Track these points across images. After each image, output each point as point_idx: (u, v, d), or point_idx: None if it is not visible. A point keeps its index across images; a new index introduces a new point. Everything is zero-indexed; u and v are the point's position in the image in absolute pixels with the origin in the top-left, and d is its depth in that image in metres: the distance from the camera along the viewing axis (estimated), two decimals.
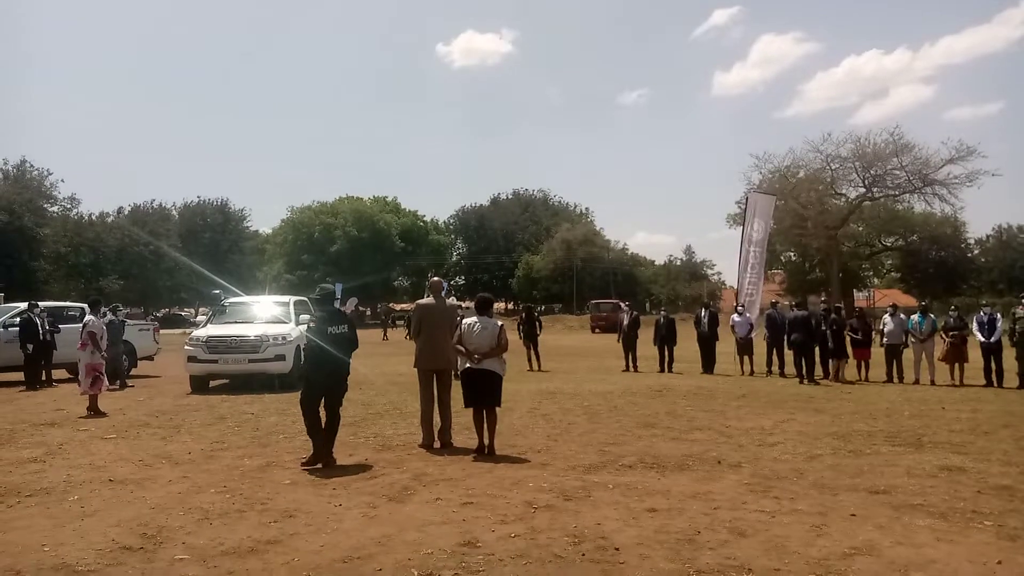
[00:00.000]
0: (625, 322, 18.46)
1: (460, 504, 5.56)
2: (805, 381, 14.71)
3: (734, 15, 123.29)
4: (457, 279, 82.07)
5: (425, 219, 76.18)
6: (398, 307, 61.41)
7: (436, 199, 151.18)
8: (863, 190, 49.59)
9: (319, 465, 6.82)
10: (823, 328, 15.38)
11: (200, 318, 15.70)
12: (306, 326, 7.49)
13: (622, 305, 26.08)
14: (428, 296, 8.53)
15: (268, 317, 14.56)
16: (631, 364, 17.80)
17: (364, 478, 6.45)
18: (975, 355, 14.50)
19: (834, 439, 8.38)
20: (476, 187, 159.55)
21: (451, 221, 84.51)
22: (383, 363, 19.44)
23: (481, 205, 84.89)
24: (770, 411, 10.71)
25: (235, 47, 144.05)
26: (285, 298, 16.18)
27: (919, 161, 46.01)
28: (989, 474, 6.59)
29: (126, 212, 69.13)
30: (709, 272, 74.82)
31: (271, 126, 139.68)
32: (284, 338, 13.51)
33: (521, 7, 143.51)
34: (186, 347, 13.57)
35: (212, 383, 13.76)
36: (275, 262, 69.13)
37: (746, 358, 16.98)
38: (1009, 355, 14.11)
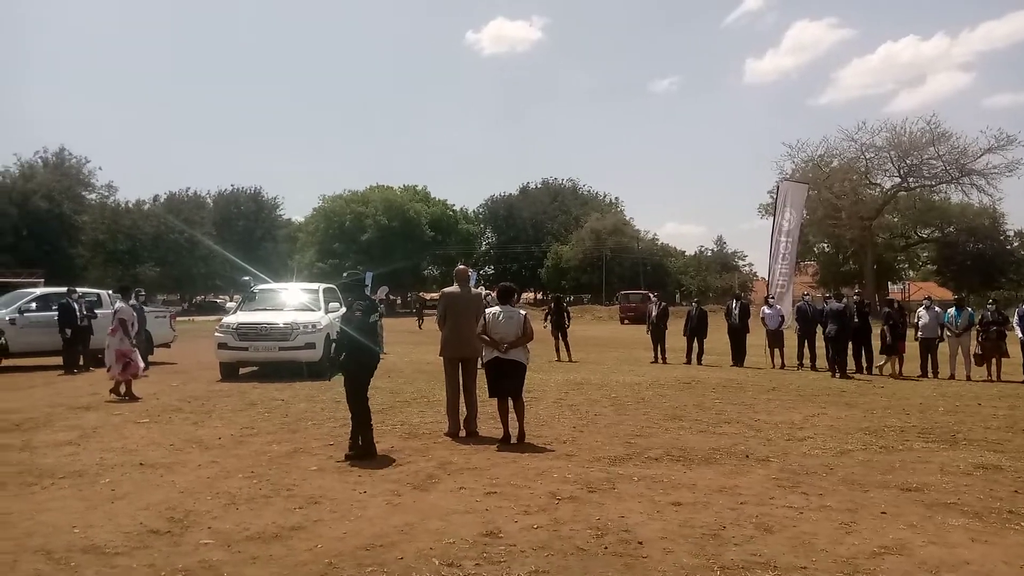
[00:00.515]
0: (654, 313, 18.32)
1: (484, 494, 5.56)
2: (837, 374, 14.48)
3: (768, 1, 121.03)
4: (486, 268, 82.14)
5: (455, 208, 76.31)
6: (427, 296, 61.70)
7: (466, 188, 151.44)
8: (898, 180, 48.73)
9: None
10: (856, 321, 15.11)
11: (230, 305, 15.91)
12: (343, 316, 7.40)
13: (651, 296, 25.85)
14: (454, 284, 8.51)
15: (297, 304, 14.68)
16: (660, 355, 17.68)
17: (389, 466, 6.48)
18: (1015, 350, 14.16)
19: (866, 434, 8.23)
20: (506, 176, 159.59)
21: (480, 210, 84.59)
22: (412, 351, 19.55)
23: (510, 194, 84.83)
24: (800, 405, 10.56)
25: (269, 36, 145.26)
26: (314, 285, 16.30)
27: (956, 150, 45.10)
28: None
29: (162, 200, 70.26)
30: (740, 263, 74.04)
31: (304, 115, 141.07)
32: (314, 326, 13.61)
33: None
34: (216, 334, 13.73)
35: (242, 370, 13.93)
36: (307, 250, 69.82)
37: (777, 351, 16.75)
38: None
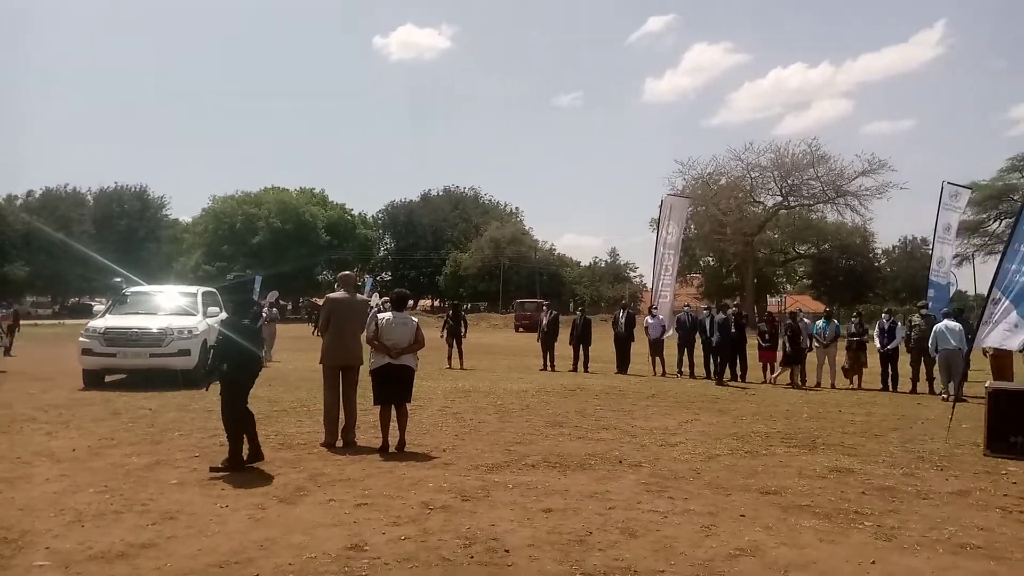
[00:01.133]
0: (544, 321, 18.59)
1: (354, 505, 5.44)
2: (722, 381, 15.21)
3: (669, 22, 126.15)
4: (383, 274, 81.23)
5: (353, 213, 75.15)
6: (321, 301, 60.23)
7: (365, 193, 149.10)
8: (780, 199, 51.56)
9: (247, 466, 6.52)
10: (734, 332, 15.85)
11: (98, 308, 14.82)
12: (225, 320, 7.03)
13: (543, 305, 26.25)
14: (339, 290, 8.31)
15: (173, 308, 13.99)
16: (549, 363, 17.93)
17: (257, 478, 6.24)
18: (873, 360, 15.19)
19: (733, 440, 8.60)
20: (407, 182, 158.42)
21: (380, 216, 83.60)
22: (298, 359, 19.01)
23: (411, 200, 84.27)
24: (676, 411, 10.93)
25: (164, 30, 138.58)
26: (193, 288, 15.59)
27: (834, 172, 48.17)
28: (874, 475, 6.84)
29: (37, 196, 65.64)
30: (632, 274, 76.22)
31: (197, 112, 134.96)
32: (190, 331, 12.99)
33: (461, 3, 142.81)
34: (81, 339, 12.88)
35: (109, 378, 13.11)
36: (193, 252, 66.93)
37: (658, 359, 17.34)
38: (904, 361, 14.82)
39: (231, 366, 6.56)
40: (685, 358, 17.03)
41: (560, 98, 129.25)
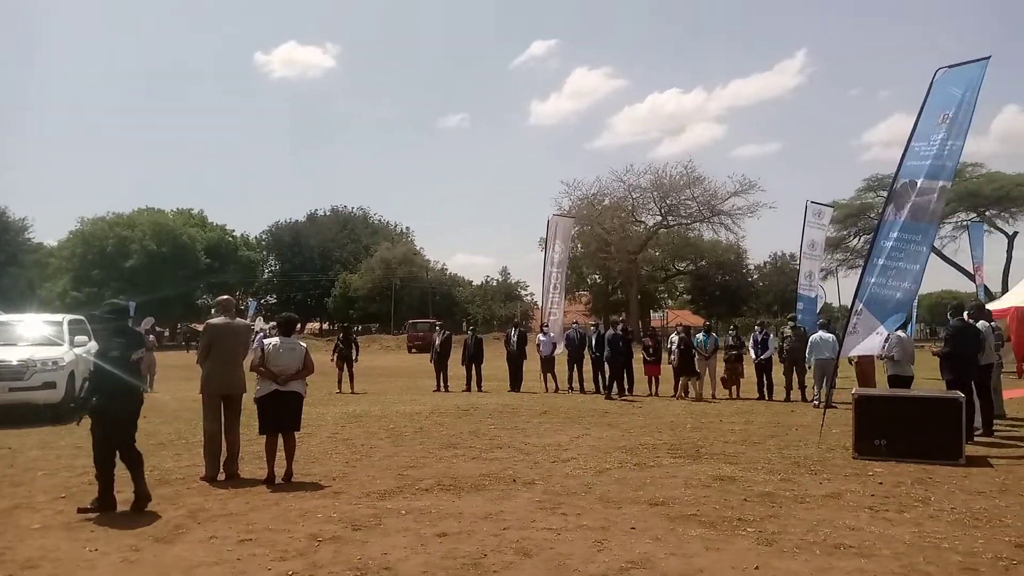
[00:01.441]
0: (437, 342, 18.49)
1: (237, 541, 5.18)
2: (614, 395, 15.58)
3: (551, 47, 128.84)
4: (268, 298, 78.54)
5: (234, 234, 72.26)
6: (200, 327, 57.48)
7: (248, 214, 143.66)
8: (660, 218, 53.81)
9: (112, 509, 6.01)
10: (620, 346, 16.30)
11: None
12: (99, 351, 6.47)
13: (436, 325, 26.16)
14: (218, 315, 7.94)
15: (36, 339, 12.97)
16: (442, 384, 17.83)
17: (131, 517, 5.84)
18: (750, 370, 15.98)
19: (623, 453, 8.81)
20: (292, 202, 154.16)
21: (264, 237, 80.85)
22: (178, 388, 18.04)
23: (297, 221, 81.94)
24: (567, 427, 11.10)
25: (21, 36, 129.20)
26: (58, 317, 14.52)
27: (708, 193, 50.83)
28: (755, 482, 7.17)
29: None
30: (523, 292, 77.12)
31: (61, 128, 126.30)
32: (55, 363, 12.07)
33: (346, 23, 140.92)
34: None
35: None
36: (60, 278, 62.33)
37: (549, 376, 17.59)
38: (778, 370, 15.67)
39: (105, 399, 6.10)
40: (575, 373, 17.34)
41: (447, 119, 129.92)
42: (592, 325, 19.49)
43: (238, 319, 8.30)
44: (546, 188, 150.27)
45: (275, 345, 7.34)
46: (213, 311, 8.12)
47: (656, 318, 62.82)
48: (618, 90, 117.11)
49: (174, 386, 18.53)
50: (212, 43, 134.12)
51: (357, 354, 18.33)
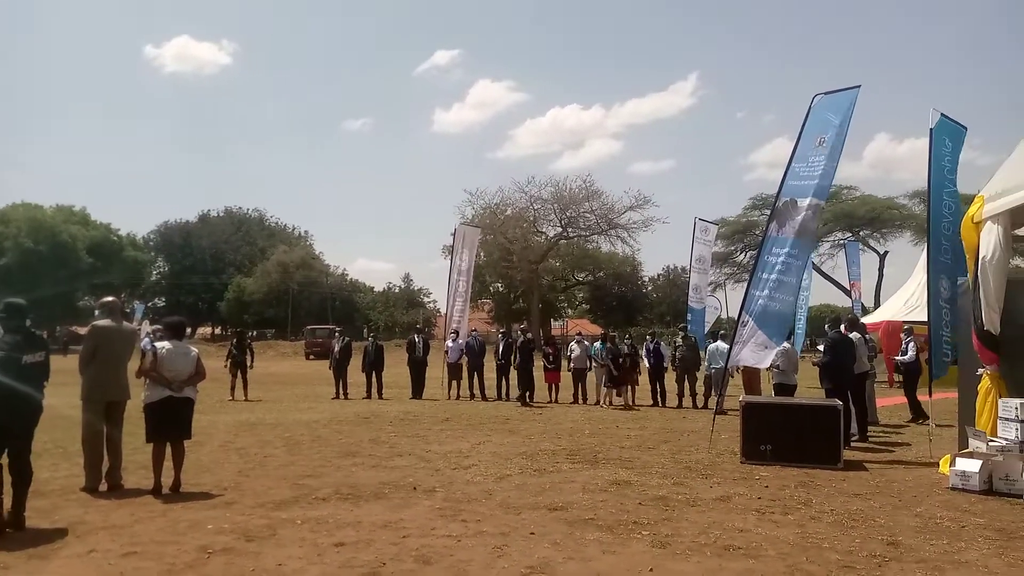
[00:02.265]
0: (336, 348, 18.13)
1: (120, 555, 4.91)
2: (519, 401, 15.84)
3: (454, 57, 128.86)
4: (156, 300, 74.87)
5: (120, 233, 68.51)
6: (82, 330, 54.14)
7: (135, 212, 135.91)
8: (560, 230, 54.92)
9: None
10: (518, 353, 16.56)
11: None
12: None
13: (336, 331, 25.65)
14: (102, 318, 7.51)
15: None
16: (342, 391, 17.48)
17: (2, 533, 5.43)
18: (644, 379, 16.49)
19: (523, 459, 8.90)
20: (183, 202, 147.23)
21: (152, 237, 76.98)
22: (53, 392, 16.84)
23: (188, 221, 78.39)
24: (469, 434, 11.11)
25: None
26: None
27: (606, 207, 52.37)
28: (649, 486, 7.39)
29: None
30: (426, 300, 76.70)
31: None
32: None
33: (245, 20, 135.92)
34: None
35: None
36: None
37: (454, 383, 17.57)
38: (671, 378, 16.23)
39: None
40: (476, 380, 17.40)
41: (349, 123, 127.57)
42: (500, 332, 19.65)
43: (125, 323, 7.89)
44: (449, 196, 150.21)
45: (168, 349, 7.05)
46: (97, 313, 7.68)
47: (556, 327, 63.80)
48: (520, 103, 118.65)
49: (50, 391, 17.29)
50: (98, 32, 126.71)
51: (252, 360, 17.73)
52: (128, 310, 53.02)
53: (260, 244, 74.71)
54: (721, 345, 14.48)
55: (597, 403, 16.18)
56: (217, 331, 74.58)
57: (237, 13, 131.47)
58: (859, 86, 9.72)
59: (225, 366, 17.26)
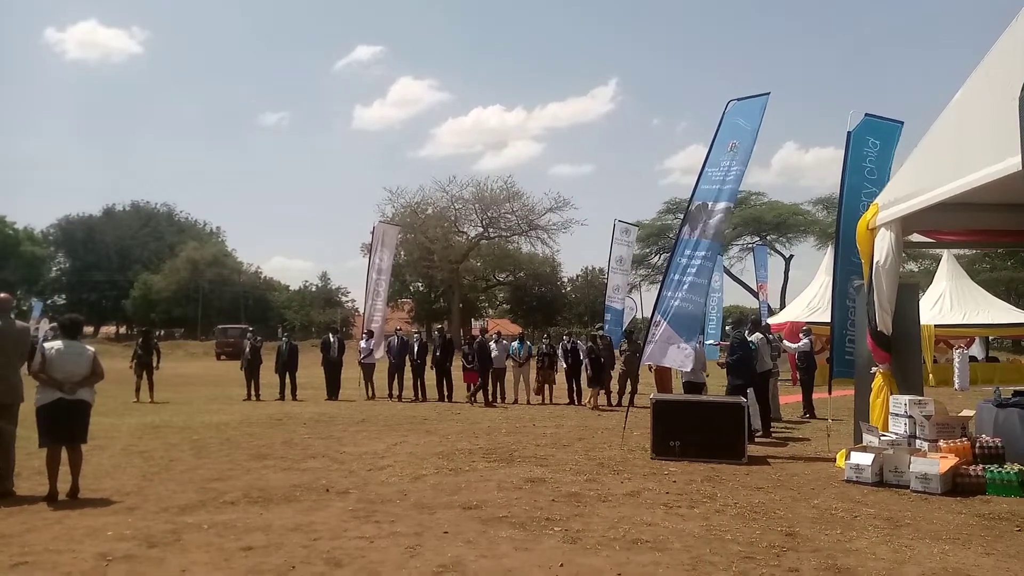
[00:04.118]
0: (248, 348, 17.63)
1: (10, 566, 4.66)
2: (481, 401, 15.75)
3: (376, 54, 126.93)
4: (56, 298, 70.96)
5: (16, 227, 64.77)
6: None
7: (33, 205, 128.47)
8: (481, 230, 55.14)
9: None
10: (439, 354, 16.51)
11: None
12: None
13: (248, 330, 24.94)
14: None
15: None
16: (254, 392, 17.02)
17: None
18: (560, 377, 16.72)
19: (439, 459, 8.89)
20: (86, 195, 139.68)
21: (51, 231, 72.92)
22: None
23: (92, 215, 74.51)
24: (385, 435, 11.02)
25: None
26: None
27: (526, 208, 53.05)
28: (563, 483, 7.51)
29: None
30: (344, 299, 75.47)
31: None
32: None
33: (157, 7, 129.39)
34: None
35: None
36: None
37: (370, 383, 17.37)
38: (587, 377, 16.50)
39: None
40: (395, 381, 17.25)
41: (266, 117, 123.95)
42: (415, 333, 19.55)
43: (18, 322, 7.49)
44: (369, 194, 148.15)
45: (58, 349, 6.72)
46: None
47: (477, 326, 63.95)
48: (443, 102, 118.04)
49: None
50: None
51: (158, 361, 17.06)
52: (25, 308, 50.19)
53: (169, 240, 71.81)
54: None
55: (515, 401, 16.30)
56: (122, 330, 71.27)
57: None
58: (768, 93, 10.13)
59: (130, 367, 16.57)
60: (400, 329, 18.99)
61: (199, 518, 5.92)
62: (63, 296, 71.73)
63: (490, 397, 16.01)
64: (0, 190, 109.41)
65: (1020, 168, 5.32)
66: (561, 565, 4.84)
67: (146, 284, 65.44)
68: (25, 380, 6.92)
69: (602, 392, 15.76)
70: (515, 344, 16.81)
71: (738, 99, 10.25)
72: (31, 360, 6.81)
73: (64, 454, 6.72)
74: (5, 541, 5.22)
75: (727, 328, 11.73)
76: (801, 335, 15.53)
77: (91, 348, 7.06)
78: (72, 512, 6.08)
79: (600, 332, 17.67)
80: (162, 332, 59.58)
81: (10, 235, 62.54)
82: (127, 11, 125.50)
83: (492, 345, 16.98)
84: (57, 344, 6.82)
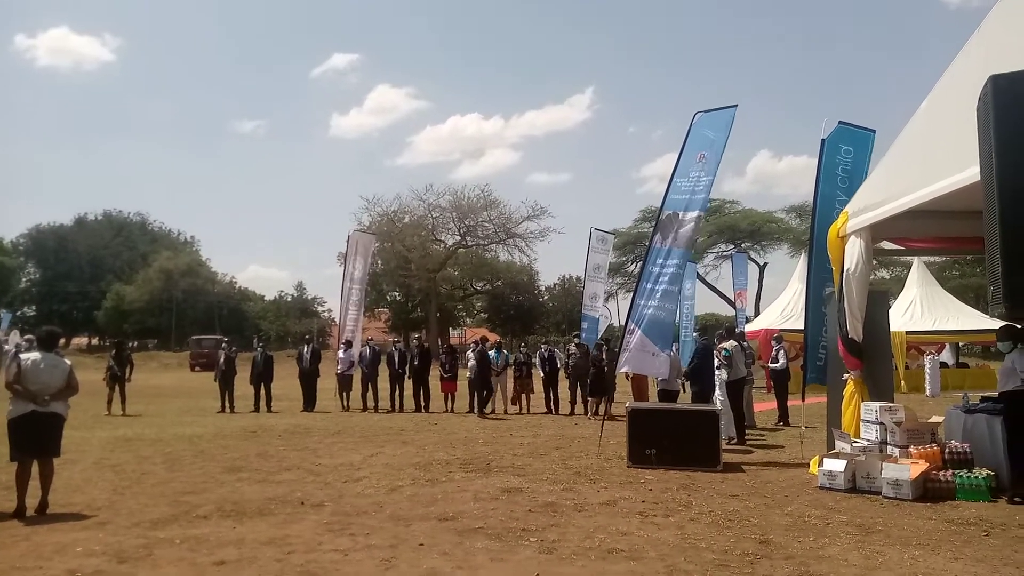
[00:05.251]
0: (222, 359, 17.44)
1: None
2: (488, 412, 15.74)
3: (352, 61, 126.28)
4: (26, 309, 69.73)
5: None
6: None
7: (1, 214, 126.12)
8: (459, 238, 55.07)
9: None
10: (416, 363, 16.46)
11: None
12: None
13: (223, 341, 24.67)
14: None
15: None
16: (228, 404, 16.83)
17: None
18: (538, 386, 16.74)
19: (416, 469, 8.86)
20: (56, 204, 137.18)
21: (21, 241, 71.68)
22: None
23: (63, 225, 73.28)
24: (362, 446, 10.95)
25: None
26: None
27: (504, 216, 53.11)
28: (539, 493, 7.52)
29: None
30: (320, 309, 74.94)
31: None
32: None
33: (130, 14, 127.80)
34: None
35: None
36: None
37: (345, 394, 17.26)
38: (564, 386, 16.55)
39: None
40: (370, 391, 17.16)
41: (241, 124, 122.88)
42: (394, 342, 19.45)
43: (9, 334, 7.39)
44: (345, 202, 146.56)
45: (34, 361, 6.65)
46: None
47: (455, 335, 63.86)
48: (420, 110, 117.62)
49: None
50: None
51: (131, 372, 16.84)
52: None
53: (142, 249, 70.90)
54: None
55: (492, 411, 16.28)
56: (94, 342, 70.14)
57: (122, 6, 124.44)
58: (736, 105, 10.24)
59: (104, 379, 16.34)
60: (371, 339, 18.83)
61: (171, 532, 5.85)
62: (33, 308, 70.50)
63: (482, 407, 15.94)
64: None
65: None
66: (537, 574, 4.85)
67: (118, 295, 64.49)
68: None
69: (604, 401, 14.62)
70: (492, 353, 16.81)
71: (705, 111, 10.37)
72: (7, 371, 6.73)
73: (35, 468, 6.62)
74: None
75: (694, 335, 11.80)
76: (773, 343, 15.68)
77: (68, 361, 6.99)
78: (41, 528, 5.99)
79: (576, 340, 17.71)
80: (135, 343, 58.66)
81: None
82: (99, 18, 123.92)
83: (470, 354, 16.97)
84: (34, 355, 6.75)
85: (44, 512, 6.48)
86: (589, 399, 15.28)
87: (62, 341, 7.67)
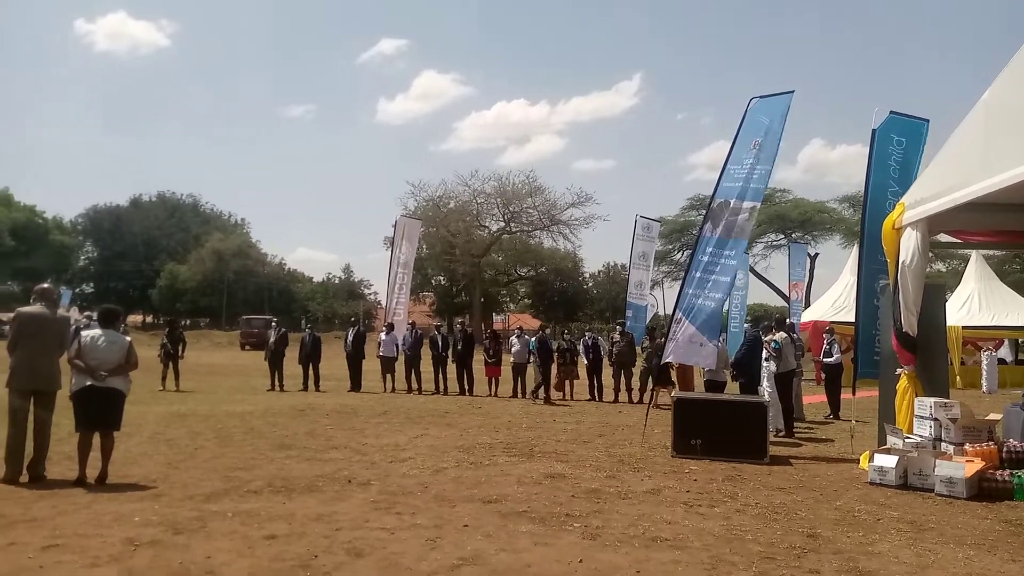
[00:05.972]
0: (272, 339, 17.82)
1: (41, 548, 4.77)
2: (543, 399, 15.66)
3: (400, 47, 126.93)
4: (84, 287, 72.14)
5: (45, 216, 65.91)
6: (4, 317, 51.80)
7: (62, 194, 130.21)
8: (503, 224, 55.13)
9: None
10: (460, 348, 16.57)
11: None
12: None
13: (272, 322, 25.19)
14: (35, 303, 7.28)
15: None
16: (277, 383, 17.20)
17: None
18: (583, 372, 16.72)
19: (460, 452, 8.95)
20: (114, 185, 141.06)
21: (80, 221, 74.02)
22: None
23: (119, 205, 75.44)
24: (407, 427, 11.10)
25: None
26: None
27: (548, 203, 52.95)
28: (583, 479, 7.53)
29: None
30: (367, 291, 75.90)
31: None
32: None
33: (187, 0, 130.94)
34: None
35: None
36: None
37: (390, 376, 17.48)
38: (608, 373, 16.49)
39: None
40: (413, 375, 17.33)
41: (291, 109, 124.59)
42: (436, 326, 19.60)
43: (59, 312, 7.68)
44: (392, 187, 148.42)
45: (93, 337, 6.88)
46: (32, 299, 7.43)
47: (498, 321, 64.02)
48: (466, 96, 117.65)
49: None
50: (24, 3, 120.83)
51: (183, 350, 17.33)
52: (56, 296, 51.07)
53: (194, 231, 72.64)
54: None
55: (546, 398, 16.30)
56: (149, 319, 72.25)
57: None
58: (793, 91, 9.99)
59: (158, 356, 16.86)
60: (412, 323, 18.93)
61: (223, 506, 6.02)
62: (91, 285, 72.85)
63: (547, 392, 15.90)
64: (30, 180, 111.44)
65: None
66: (580, 561, 4.86)
67: (172, 274, 66.30)
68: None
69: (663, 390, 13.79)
70: (534, 340, 16.83)
71: (761, 96, 10.13)
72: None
73: (96, 440, 6.86)
74: (36, 524, 5.34)
75: (746, 326, 11.60)
76: (825, 335, 15.36)
77: (127, 338, 7.22)
78: (101, 497, 6.20)
79: (620, 328, 17.60)
80: (187, 322, 60.24)
81: (39, 224, 63.59)
82: (156, 4, 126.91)
83: (513, 340, 17.02)
84: (94, 332, 7.00)
85: (104, 482, 6.71)
86: (655, 389, 14.27)
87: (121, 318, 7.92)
